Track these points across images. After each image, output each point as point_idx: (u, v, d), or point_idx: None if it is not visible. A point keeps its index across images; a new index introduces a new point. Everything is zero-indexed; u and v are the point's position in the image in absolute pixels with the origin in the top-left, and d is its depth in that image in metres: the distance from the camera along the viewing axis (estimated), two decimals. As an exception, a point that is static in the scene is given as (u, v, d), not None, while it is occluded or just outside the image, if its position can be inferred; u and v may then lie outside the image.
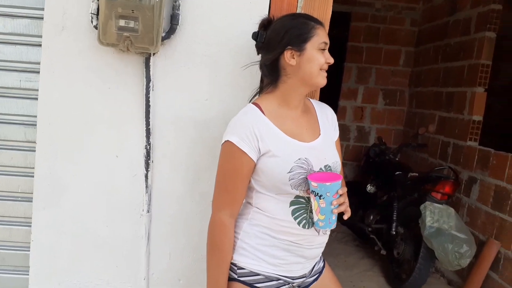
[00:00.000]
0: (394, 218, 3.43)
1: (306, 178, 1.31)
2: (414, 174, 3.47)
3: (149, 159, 1.79)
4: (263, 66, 1.44)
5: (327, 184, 1.27)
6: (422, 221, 2.99)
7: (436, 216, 2.97)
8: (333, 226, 1.33)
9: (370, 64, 5.11)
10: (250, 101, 1.47)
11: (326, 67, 1.37)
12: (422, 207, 3.04)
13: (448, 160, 3.95)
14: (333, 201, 1.28)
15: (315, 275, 1.50)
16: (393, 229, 3.39)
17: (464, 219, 3.61)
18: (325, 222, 1.31)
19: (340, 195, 1.29)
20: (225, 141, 1.34)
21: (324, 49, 1.35)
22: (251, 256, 1.37)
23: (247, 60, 1.65)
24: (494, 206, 3.23)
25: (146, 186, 1.80)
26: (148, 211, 1.82)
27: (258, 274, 1.37)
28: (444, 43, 4.31)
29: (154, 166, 1.82)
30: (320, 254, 1.50)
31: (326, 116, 1.51)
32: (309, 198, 1.35)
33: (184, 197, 1.85)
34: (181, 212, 1.86)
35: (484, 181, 3.39)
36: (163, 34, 1.69)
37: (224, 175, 1.36)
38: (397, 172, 3.73)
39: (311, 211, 1.35)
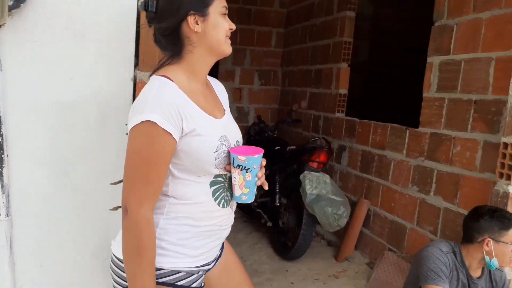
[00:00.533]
0: (277, 190, 3.57)
1: (228, 154, 1.26)
2: (292, 147, 3.66)
3: (2, 153, 1.50)
4: (159, 38, 1.25)
5: (255, 156, 1.25)
6: (303, 189, 3.17)
7: (314, 184, 3.18)
8: (253, 198, 1.33)
9: (244, 45, 5.19)
10: (151, 75, 1.27)
11: (229, 33, 1.27)
12: (301, 177, 3.22)
13: (320, 132, 4.25)
14: (258, 173, 1.28)
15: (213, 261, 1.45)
16: (277, 201, 3.53)
17: (337, 183, 3.95)
18: (249, 195, 1.31)
19: (262, 167, 1.29)
20: (143, 121, 1.11)
21: (225, 14, 1.25)
22: (171, 254, 1.23)
23: (121, 32, 1.47)
24: (362, 169, 3.59)
25: (2, 186, 1.51)
26: (7, 215, 1.54)
27: (179, 272, 1.25)
28: (311, 23, 4.58)
29: (10, 161, 1.53)
30: None
31: (222, 90, 1.44)
32: (226, 176, 1.30)
33: (52, 194, 1.61)
34: (50, 212, 1.62)
35: (352, 147, 3.74)
36: (11, 2, 1.41)
37: (144, 163, 1.14)
38: (277, 147, 3.89)
39: (228, 189, 1.32)
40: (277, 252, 3.59)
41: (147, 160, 1.13)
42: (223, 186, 1.30)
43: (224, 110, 1.36)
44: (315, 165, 3.31)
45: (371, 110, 3.51)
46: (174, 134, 1.13)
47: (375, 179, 3.40)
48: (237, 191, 1.29)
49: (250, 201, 1.33)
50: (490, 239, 1.84)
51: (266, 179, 1.38)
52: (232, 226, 1.44)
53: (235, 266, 1.55)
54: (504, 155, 2.06)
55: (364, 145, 3.55)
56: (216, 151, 1.22)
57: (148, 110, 1.11)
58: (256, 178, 1.29)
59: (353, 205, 3.59)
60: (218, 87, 1.44)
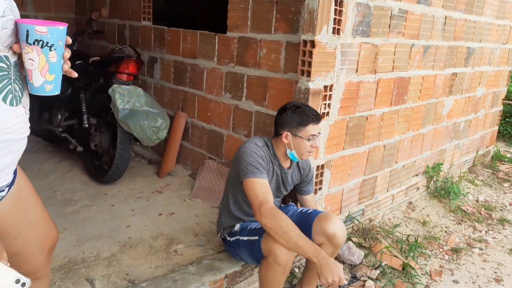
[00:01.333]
0: (84, 110, 3.17)
1: (16, 26, 0.92)
2: (96, 58, 3.22)
3: None
4: None
5: (60, 28, 0.94)
6: (114, 105, 2.87)
7: (126, 98, 2.90)
8: (60, 90, 1.02)
9: None
10: None
11: None
12: (110, 91, 2.89)
13: (127, 43, 3.85)
14: (64, 53, 0.98)
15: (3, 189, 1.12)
16: (85, 122, 3.15)
17: (152, 99, 3.75)
18: (55, 84, 0.99)
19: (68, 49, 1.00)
20: None
21: None
22: None
23: None
24: (176, 81, 3.46)
25: None
26: None
27: None
28: None
29: None
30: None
31: None
32: (10, 59, 0.96)
33: None
34: None
35: (164, 59, 3.53)
36: None
37: None
38: (78, 62, 3.37)
39: (15, 79, 0.99)
40: (93, 177, 3.28)
41: None
42: (8, 75, 0.97)
43: None
44: (124, 77, 2.99)
45: (180, 17, 3.29)
46: None
47: (190, 90, 3.33)
48: (37, 79, 0.97)
49: (56, 92, 1.02)
50: (289, 133, 1.98)
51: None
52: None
53: (30, 200, 1.26)
54: (304, 53, 2.20)
55: (176, 55, 3.39)
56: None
57: None
58: (63, 61, 1.00)
59: (171, 120, 3.48)
60: None
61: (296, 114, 1.95)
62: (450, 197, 3.80)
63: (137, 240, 2.44)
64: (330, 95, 2.36)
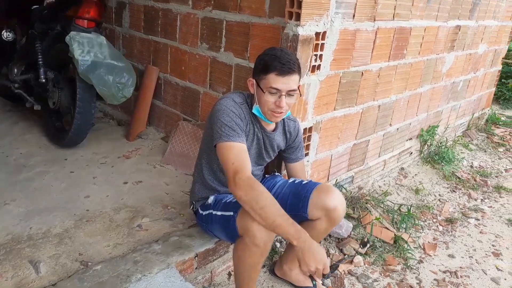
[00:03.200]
0: (40, 62, 2.73)
1: None
2: (51, 0, 2.75)
3: None
4: None
5: None
6: (73, 56, 2.45)
7: (86, 47, 2.48)
8: None
9: None
10: None
11: None
12: (67, 39, 2.46)
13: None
14: None
15: None
16: (42, 76, 2.72)
17: (121, 52, 3.32)
18: None
19: None
20: None
21: None
22: None
23: None
24: (147, 30, 3.03)
25: None
26: None
27: None
28: None
29: None
30: None
31: None
32: None
33: None
34: None
35: (133, 3, 3.08)
36: None
37: None
38: (35, 6, 2.91)
39: None
40: (53, 140, 2.91)
41: None
42: None
43: None
44: (84, 23, 2.55)
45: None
46: None
47: (162, 40, 2.91)
48: None
49: None
50: (254, 80, 1.63)
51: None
52: None
53: None
54: (293, -9, 1.82)
55: (145, -2, 2.94)
56: None
57: None
58: None
59: (141, 75, 3.09)
60: None
61: (264, 57, 1.58)
62: (443, 162, 3.56)
63: (96, 212, 2.12)
64: (323, 44, 2.00)
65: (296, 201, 1.70)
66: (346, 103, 2.38)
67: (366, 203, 2.72)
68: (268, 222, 1.42)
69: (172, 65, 2.89)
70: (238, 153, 1.52)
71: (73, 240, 1.89)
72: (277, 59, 1.54)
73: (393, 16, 2.43)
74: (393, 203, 2.82)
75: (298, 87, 1.60)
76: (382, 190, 3.01)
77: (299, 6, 1.80)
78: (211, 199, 1.76)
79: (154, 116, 3.17)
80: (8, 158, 2.65)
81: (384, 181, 3.17)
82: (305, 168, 2.28)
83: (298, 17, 1.82)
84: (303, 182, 1.78)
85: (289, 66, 1.53)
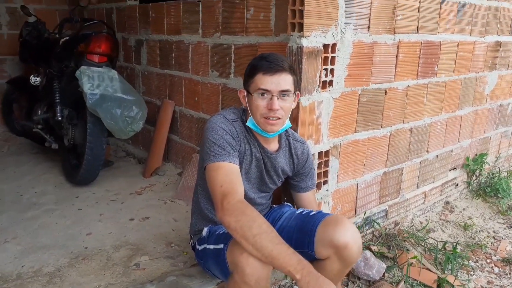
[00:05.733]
0: (57, 100, 2.74)
1: None
2: (65, 38, 2.79)
3: None
4: None
5: None
6: (82, 90, 2.42)
7: (96, 81, 2.45)
8: None
9: None
10: None
11: None
12: (77, 73, 2.45)
13: (116, 29, 3.44)
14: None
15: None
16: (58, 114, 2.72)
17: (141, 89, 3.31)
18: None
19: None
20: None
21: None
22: None
23: None
24: (162, 64, 2.99)
25: None
26: None
27: None
28: None
29: None
30: None
31: None
32: None
33: None
34: None
35: (150, 40, 3.07)
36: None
37: None
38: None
39: None
40: (68, 178, 2.85)
41: None
42: None
43: None
44: (95, 58, 2.54)
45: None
46: None
47: (176, 73, 2.84)
48: None
49: None
50: (244, 90, 1.45)
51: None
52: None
53: None
54: (294, 0, 1.66)
55: (160, 33, 2.91)
56: None
57: None
58: None
59: (157, 110, 3.02)
60: None
61: (251, 61, 1.45)
62: (498, 195, 3.11)
63: (95, 250, 1.95)
64: (333, 57, 1.80)
65: (302, 236, 1.43)
66: (369, 124, 2.13)
67: (404, 240, 2.37)
68: (264, 253, 1.17)
69: (186, 97, 2.80)
70: (227, 174, 1.32)
71: (63, 280, 1.72)
72: (263, 59, 1.39)
73: (417, 29, 2.20)
74: (436, 240, 2.44)
75: (294, 91, 1.42)
76: (424, 227, 2.64)
77: (301, 16, 1.64)
78: (205, 231, 1.54)
79: (171, 151, 3.05)
80: (22, 196, 2.60)
81: (426, 216, 2.79)
82: (325, 199, 2.02)
83: (301, 27, 1.65)
84: (311, 213, 1.52)
85: (276, 63, 1.36)
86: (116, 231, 2.14)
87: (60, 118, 2.73)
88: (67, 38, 2.78)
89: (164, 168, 3.02)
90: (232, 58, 2.31)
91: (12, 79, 3.78)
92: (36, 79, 3.18)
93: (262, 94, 1.38)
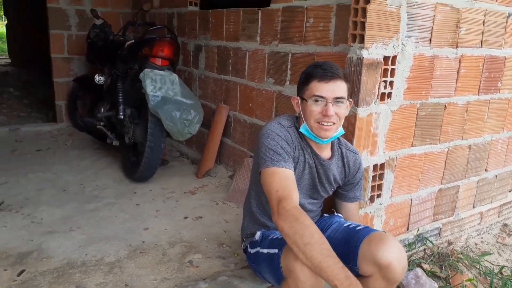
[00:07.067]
0: (120, 100, 2.91)
1: None
2: (131, 41, 2.96)
3: None
4: None
5: None
6: (145, 91, 2.57)
7: (158, 84, 2.59)
8: None
9: None
10: None
11: None
12: (141, 75, 2.60)
13: (176, 33, 3.59)
14: None
15: None
16: (121, 113, 2.89)
17: (197, 93, 3.43)
18: None
19: None
20: None
21: None
22: None
23: None
24: (219, 70, 3.09)
25: None
26: None
27: None
28: None
29: None
30: None
31: None
32: None
33: None
34: None
35: (208, 45, 3.19)
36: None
37: None
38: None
39: None
40: (127, 174, 3.01)
41: None
42: None
43: None
44: (158, 61, 2.68)
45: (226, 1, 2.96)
46: None
47: (232, 78, 2.93)
48: None
49: None
50: (298, 97, 1.50)
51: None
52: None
53: None
54: (356, 12, 1.68)
55: (219, 39, 3.02)
56: None
57: None
58: None
59: (212, 113, 3.12)
60: None
61: (305, 70, 1.49)
62: (562, 219, 2.92)
63: (151, 245, 2.06)
64: (393, 70, 1.80)
65: (346, 250, 1.43)
66: (427, 139, 2.09)
67: (457, 261, 2.30)
68: (314, 263, 1.19)
69: (241, 103, 2.88)
70: (282, 180, 1.36)
71: (122, 270, 1.83)
72: (318, 67, 1.43)
73: (481, 43, 2.14)
74: (492, 264, 2.34)
75: (348, 98, 1.46)
76: (479, 249, 2.54)
77: (363, 28, 1.65)
78: (258, 235, 1.59)
79: (223, 154, 3.14)
80: (85, 189, 2.78)
81: (482, 238, 2.68)
82: (378, 213, 2.01)
83: (362, 39, 1.67)
84: (358, 228, 1.52)
85: (331, 71, 1.41)
86: (171, 228, 2.25)
87: (122, 117, 2.90)
88: (132, 41, 2.95)
89: (216, 170, 3.11)
90: (289, 66, 2.35)
91: (78, 78, 4.04)
92: (100, 79, 3.39)
93: (317, 101, 1.42)
